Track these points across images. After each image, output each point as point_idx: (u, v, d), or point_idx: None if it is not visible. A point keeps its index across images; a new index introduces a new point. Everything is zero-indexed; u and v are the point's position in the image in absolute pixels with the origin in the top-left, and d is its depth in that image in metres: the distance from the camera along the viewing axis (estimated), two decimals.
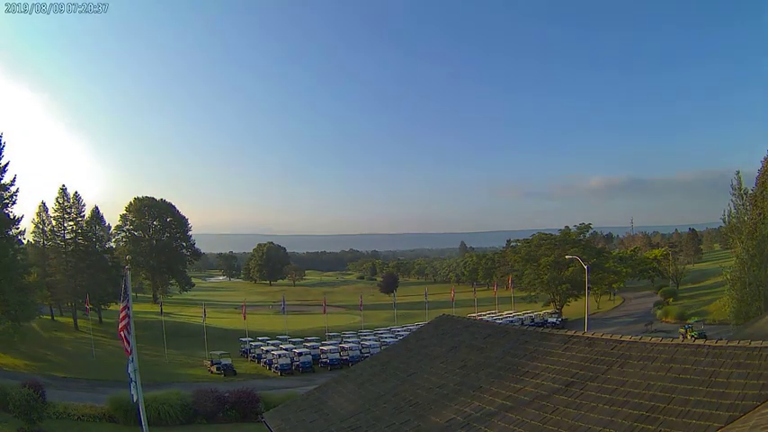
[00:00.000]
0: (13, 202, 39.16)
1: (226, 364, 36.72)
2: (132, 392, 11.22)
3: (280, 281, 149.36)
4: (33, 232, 54.65)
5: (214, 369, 36.68)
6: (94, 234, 59.24)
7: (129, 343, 11.20)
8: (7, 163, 38.64)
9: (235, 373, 36.10)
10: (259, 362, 40.51)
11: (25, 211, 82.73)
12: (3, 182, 38.49)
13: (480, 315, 53.34)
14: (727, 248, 62.47)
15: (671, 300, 62.01)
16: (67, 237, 55.94)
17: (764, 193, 29.34)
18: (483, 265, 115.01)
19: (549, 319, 53.32)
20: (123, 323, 11.26)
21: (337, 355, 39.01)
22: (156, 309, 70.17)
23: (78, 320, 52.72)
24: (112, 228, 72.37)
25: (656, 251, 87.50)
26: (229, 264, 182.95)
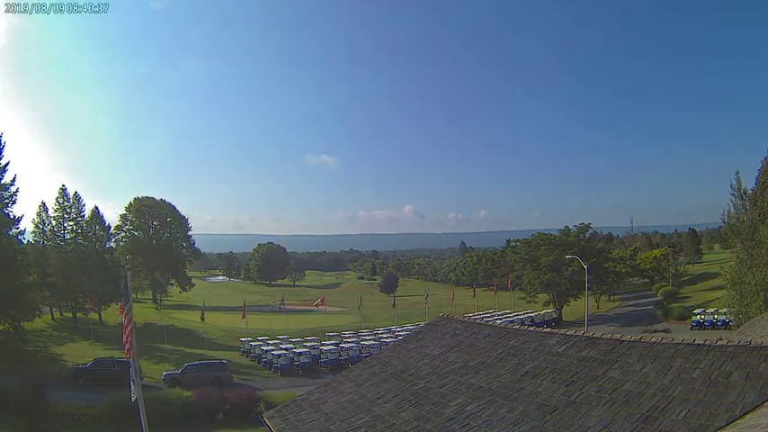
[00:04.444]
0: (13, 202, 39.24)
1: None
2: (132, 392, 11.23)
3: (280, 281, 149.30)
4: (33, 232, 54.64)
5: None
6: (94, 234, 59.22)
7: (130, 343, 11.21)
8: (7, 163, 38.73)
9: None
10: (259, 362, 40.49)
11: (24, 210, 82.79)
12: (3, 182, 38.54)
13: (480, 315, 53.34)
14: (726, 249, 62.52)
15: (670, 300, 62.08)
16: (67, 237, 55.94)
17: (764, 192, 29.24)
18: (483, 265, 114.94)
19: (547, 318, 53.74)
20: (128, 325, 11.28)
21: (337, 356, 39.01)
22: (156, 309, 70.16)
23: (78, 320, 52.70)
24: (112, 228, 72.27)
25: (656, 251, 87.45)
26: (229, 264, 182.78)
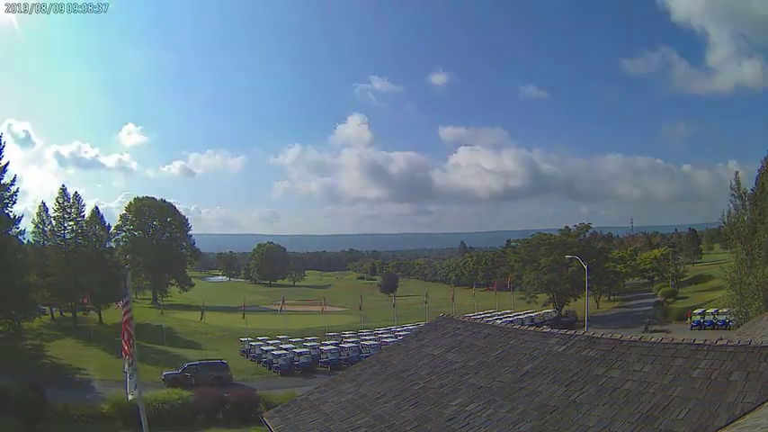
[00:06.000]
0: (13, 202, 39.28)
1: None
2: (129, 392, 11.23)
3: (280, 281, 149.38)
4: (33, 232, 54.62)
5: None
6: (94, 234, 59.20)
7: (129, 343, 11.21)
8: (7, 163, 38.74)
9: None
10: (259, 362, 40.49)
11: (24, 210, 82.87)
12: (3, 182, 38.55)
13: (480, 315, 53.35)
14: (726, 249, 62.62)
15: (670, 300, 62.06)
16: (67, 237, 55.92)
17: (764, 193, 29.30)
18: (483, 265, 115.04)
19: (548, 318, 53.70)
20: (126, 324, 11.27)
21: (337, 356, 39.00)
22: (156, 309, 70.21)
23: (78, 320, 52.70)
24: (112, 228, 72.31)
25: (656, 251, 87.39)
26: (229, 264, 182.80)
